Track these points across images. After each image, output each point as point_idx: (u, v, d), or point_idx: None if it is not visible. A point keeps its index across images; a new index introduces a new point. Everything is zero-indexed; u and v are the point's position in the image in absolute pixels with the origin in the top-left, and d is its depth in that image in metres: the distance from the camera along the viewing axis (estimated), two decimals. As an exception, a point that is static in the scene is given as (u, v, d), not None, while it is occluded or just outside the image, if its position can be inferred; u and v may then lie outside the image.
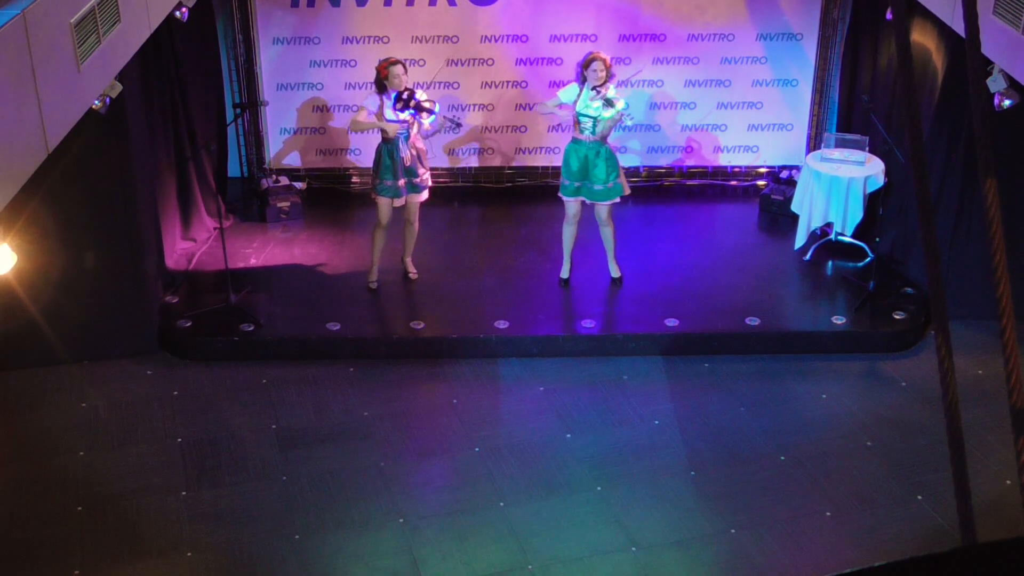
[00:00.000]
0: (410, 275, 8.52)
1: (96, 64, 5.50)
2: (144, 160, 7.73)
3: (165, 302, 8.14)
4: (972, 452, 6.56)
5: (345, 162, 9.92)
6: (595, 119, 7.85)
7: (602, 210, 8.17)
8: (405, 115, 7.83)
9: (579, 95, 7.87)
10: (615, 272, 8.45)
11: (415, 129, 7.96)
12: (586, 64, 7.81)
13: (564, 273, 8.47)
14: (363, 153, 9.79)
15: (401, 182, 8.05)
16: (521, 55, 9.58)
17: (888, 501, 6.51)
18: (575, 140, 8.01)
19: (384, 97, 7.85)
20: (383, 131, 7.93)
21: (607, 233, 8.29)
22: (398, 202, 8.15)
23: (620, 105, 7.79)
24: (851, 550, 6.13)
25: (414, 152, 8.00)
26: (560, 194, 8.24)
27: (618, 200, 8.18)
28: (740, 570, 6.07)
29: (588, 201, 8.15)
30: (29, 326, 7.35)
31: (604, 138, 7.96)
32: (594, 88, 7.77)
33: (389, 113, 7.86)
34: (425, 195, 8.25)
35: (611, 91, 7.79)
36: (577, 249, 8.69)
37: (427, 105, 7.81)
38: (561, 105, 7.98)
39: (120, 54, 6.03)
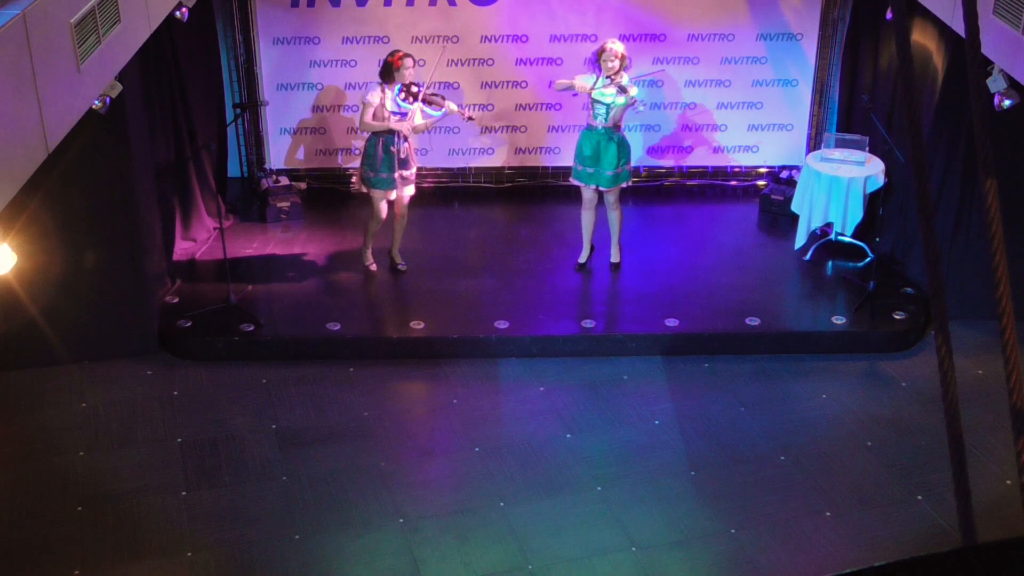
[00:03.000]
0: (399, 267, 8.57)
1: (96, 64, 5.50)
2: (144, 160, 7.72)
3: (165, 302, 8.13)
4: (972, 452, 6.56)
5: (345, 162, 9.92)
6: (608, 106, 8.02)
7: (610, 195, 8.34)
8: (409, 107, 7.94)
9: (594, 83, 8.02)
10: (615, 257, 8.57)
11: (408, 123, 8.09)
12: (599, 53, 8.01)
13: (582, 258, 8.62)
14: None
15: (396, 175, 8.18)
16: (521, 55, 9.57)
17: (888, 501, 6.50)
18: (589, 127, 8.20)
19: (387, 88, 7.94)
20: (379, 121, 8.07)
21: (613, 216, 8.46)
22: (391, 195, 8.24)
23: (633, 92, 7.98)
24: (851, 550, 6.13)
25: (408, 147, 8.14)
26: (573, 180, 8.44)
27: (625, 186, 8.35)
28: (740, 570, 6.07)
29: (598, 187, 8.31)
30: (29, 326, 7.35)
31: (617, 125, 8.12)
32: (608, 76, 7.96)
33: (390, 104, 8.01)
34: (414, 189, 8.40)
35: (624, 79, 7.97)
36: (576, 247, 8.71)
37: (436, 100, 7.95)
38: (575, 91, 8.17)
39: (120, 54, 6.02)
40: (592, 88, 8.01)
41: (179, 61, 8.52)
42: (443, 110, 8.04)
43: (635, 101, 8.00)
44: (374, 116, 8.04)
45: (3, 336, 7.39)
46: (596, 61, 8.03)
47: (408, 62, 7.95)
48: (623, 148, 8.19)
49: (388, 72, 7.98)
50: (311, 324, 7.96)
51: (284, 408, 7.31)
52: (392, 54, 8.03)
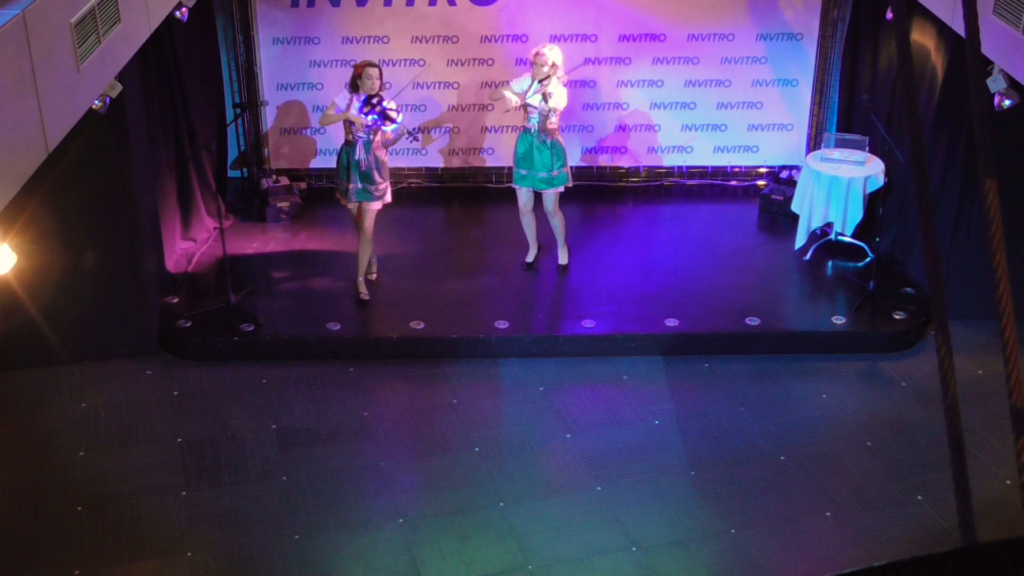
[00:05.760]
0: (369, 276, 8.42)
1: (96, 64, 5.51)
2: (144, 160, 7.73)
3: (165, 302, 8.14)
4: (972, 452, 6.56)
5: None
6: (539, 111, 8.00)
7: (546, 200, 8.31)
8: (369, 119, 7.82)
9: (530, 86, 8.02)
10: (562, 259, 8.57)
11: (377, 137, 7.94)
12: (533, 56, 8.02)
13: (529, 257, 8.63)
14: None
15: (352, 185, 7.99)
16: (521, 55, 9.56)
17: (888, 501, 6.50)
18: (524, 129, 8.18)
19: (355, 97, 7.86)
20: (345, 132, 7.95)
21: (555, 223, 8.44)
22: (352, 206, 8.12)
23: (552, 102, 7.90)
24: (851, 550, 6.13)
25: (372, 159, 7.95)
26: (513, 183, 8.43)
27: (562, 189, 8.29)
28: (740, 570, 6.07)
29: (536, 191, 8.30)
30: (29, 326, 7.35)
31: (549, 132, 8.06)
32: (539, 81, 7.95)
33: (355, 114, 7.89)
34: (378, 205, 8.10)
35: (552, 85, 7.92)
36: (575, 248, 8.72)
37: (391, 114, 7.82)
38: (509, 105, 8.11)
39: (120, 54, 6.03)
40: (525, 93, 7.99)
41: (179, 61, 8.52)
42: (395, 125, 7.87)
43: (547, 110, 7.92)
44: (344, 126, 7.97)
45: (3, 336, 7.39)
46: (531, 65, 8.02)
47: (372, 71, 7.78)
48: (556, 152, 8.14)
49: (353, 82, 7.87)
50: (311, 324, 7.96)
51: (284, 408, 7.31)
52: (358, 63, 7.93)
